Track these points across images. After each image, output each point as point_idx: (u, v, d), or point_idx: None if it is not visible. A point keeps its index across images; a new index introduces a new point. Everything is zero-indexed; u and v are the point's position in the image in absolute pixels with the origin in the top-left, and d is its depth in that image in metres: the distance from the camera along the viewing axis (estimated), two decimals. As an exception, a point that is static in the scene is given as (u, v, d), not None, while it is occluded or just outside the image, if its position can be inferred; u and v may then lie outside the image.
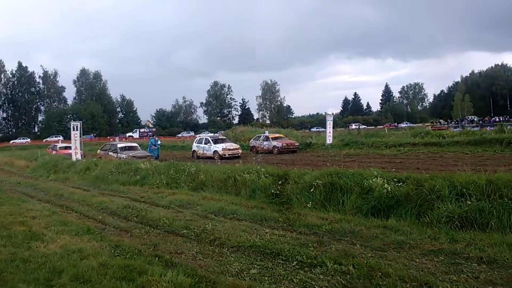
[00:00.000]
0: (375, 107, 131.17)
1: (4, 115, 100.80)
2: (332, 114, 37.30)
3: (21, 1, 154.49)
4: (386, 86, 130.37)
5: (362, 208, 8.59)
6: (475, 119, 73.05)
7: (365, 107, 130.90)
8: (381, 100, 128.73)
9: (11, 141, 79.20)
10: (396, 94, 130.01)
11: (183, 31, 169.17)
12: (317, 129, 75.80)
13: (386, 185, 8.63)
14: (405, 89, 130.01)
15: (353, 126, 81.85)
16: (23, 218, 9.42)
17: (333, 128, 34.99)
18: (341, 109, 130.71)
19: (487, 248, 5.86)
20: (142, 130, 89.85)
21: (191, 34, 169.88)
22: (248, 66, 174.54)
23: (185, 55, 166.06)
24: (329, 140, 31.09)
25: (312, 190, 9.75)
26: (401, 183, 8.67)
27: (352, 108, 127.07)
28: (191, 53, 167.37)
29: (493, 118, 74.78)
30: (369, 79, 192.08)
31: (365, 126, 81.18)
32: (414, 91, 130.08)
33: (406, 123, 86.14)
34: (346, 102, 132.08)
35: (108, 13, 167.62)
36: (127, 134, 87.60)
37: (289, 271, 5.53)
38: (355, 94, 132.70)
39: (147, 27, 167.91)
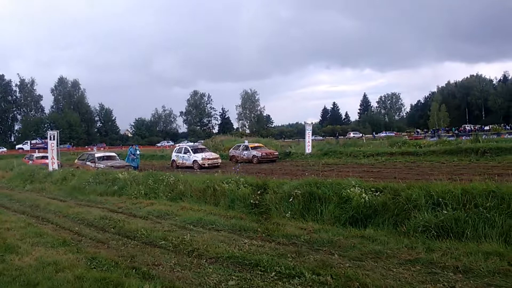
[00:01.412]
0: (354, 116, 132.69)
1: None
2: (312, 123, 37.67)
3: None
4: (364, 96, 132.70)
5: (340, 217, 8.63)
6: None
7: (343, 116, 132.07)
8: (360, 109, 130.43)
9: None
10: (374, 104, 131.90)
11: (163, 39, 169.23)
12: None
13: (364, 194, 8.68)
14: (383, 99, 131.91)
15: (352, 135, 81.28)
16: (-3, 230, 9.22)
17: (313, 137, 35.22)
18: (320, 118, 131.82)
19: (463, 257, 5.95)
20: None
21: (171, 42, 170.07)
22: (228, 75, 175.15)
23: (165, 63, 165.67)
24: (308, 149, 31.32)
25: (291, 200, 9.77)
26: (379, 192, 8.74)
27: (331, 118, 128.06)
28: (171, 61, 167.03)
29: (468, 127, 76.35)
30: (347, 89, 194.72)
31: (363, 134, 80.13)
32: (391, 101, 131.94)
33: (385, 133, 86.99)
34: (325, 111, 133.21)
35: (87, 21, 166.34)
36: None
37: (268, 282, 5.53)
38: (334, 103, 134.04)
39: (126, 35, 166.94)
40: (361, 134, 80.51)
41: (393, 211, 8.11)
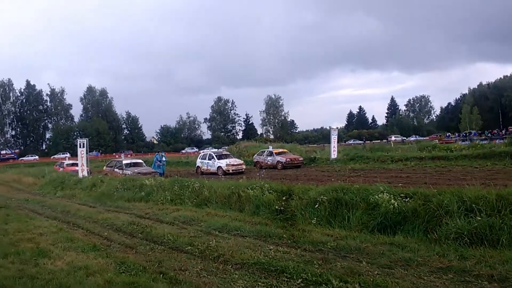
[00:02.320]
0: (381, 120, 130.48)
1: (13, 132, 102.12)
2: (337, 128, 37.23)
3: (29, 22, 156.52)
4: (392, 99, 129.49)
5: (368, 224, 8.49)
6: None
7: (370, 120, 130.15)
8: (387, 113, 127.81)
9: (20, 158, 79.82)
10: (402, 107, 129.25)
11: (186, 48, 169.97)
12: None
13: (392, 200, 8.53)
14: (411, 102, 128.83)
15: (393, 138, 79.12)
16: (31, 235, 9.50)
17: (338, 142, 34.91)
18: (346, 123, 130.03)
19: (498, 265, 5.77)
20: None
21: (194, 51, 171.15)
22: (251, 81, 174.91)
23: (189, 71, 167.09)
24: (334, 154, 31.03)
25: (316, 206, 9.69)
26: (408, 198, 8.55)
27: (357, 122, 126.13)
28: (194, 69, 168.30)
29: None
30: (374, 92, 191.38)
31: (404, 138, 78.18)
32: (420, 104, 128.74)
33: (415, 137, 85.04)
34: (351, 116, 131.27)
35: (113, 33, 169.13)
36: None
37: (294, 289, 5.51)
38: (360, 107, 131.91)
39: (151, 45, 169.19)
40: (402, 138, 78.90)
41: (423, 217, 7.92)
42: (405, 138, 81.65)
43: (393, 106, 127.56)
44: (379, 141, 71.60)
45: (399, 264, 6.23)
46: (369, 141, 69.36)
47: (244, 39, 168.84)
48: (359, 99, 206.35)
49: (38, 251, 7.81)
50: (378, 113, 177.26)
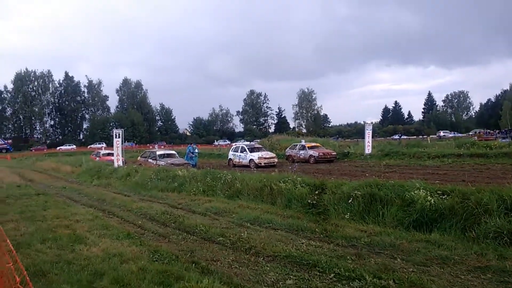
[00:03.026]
0: (417, 116, 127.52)
1: (52, 122, 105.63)
2: (371, 123, 36.55)
3: (67, 15, 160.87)
4: (429, 94, 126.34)
5: (403, 221, 8.32)
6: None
7: (406, 116, 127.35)
8: (424, 109, 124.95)
9: (58, 148, 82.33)
10: (439, 102, 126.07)
11: (219, 40, 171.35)
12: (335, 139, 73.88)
13: (429, 197, 8.32)
14: (449, 98, 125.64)
15: (442, 133, 77.17)
16: (68, 221, 9.77)
17: (372, 137, 34.32)
18: (381, 118, 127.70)
19: (540, 266, 5.56)
20: None
21: (227, 43, 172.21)
22: (284, 74, 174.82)
23: (221, 64, 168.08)
24: (368, 150, 30.56)
25: (350, 201, 9.57)
26: (445, 195, 8.33)
27: (393, 117, 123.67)
28: (227, 62, 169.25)
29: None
30: (410, 87, 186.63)
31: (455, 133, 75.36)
32: (458, 100, 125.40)
33: (454, 133, 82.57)
34: (386, 111, 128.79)
35: (146, 25, 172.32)
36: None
37: (326, 283, 5.46)
38: (396, 102, 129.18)
39: (183, 38, 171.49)
40: (453, 133, 76.75)
41: (461, 215, 7.71)
42: (455, 133, 79.17)
43: (430, 102, 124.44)
44: (415, 137, 69.63)
45: (435, 262, 6.09)
46: (409, 136, 67.15)
47: (278, 32, 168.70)
48: (394, 94, 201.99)
49: (75, 237, 8.00)
50: (414, 109, 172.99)
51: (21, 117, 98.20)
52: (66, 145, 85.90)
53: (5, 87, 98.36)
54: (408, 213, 8.41)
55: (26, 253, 6.77)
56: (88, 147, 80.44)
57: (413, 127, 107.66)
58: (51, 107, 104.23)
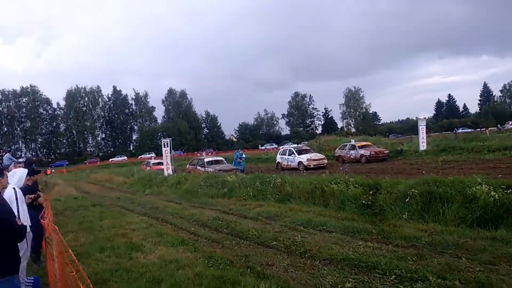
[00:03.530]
0: (473, 108, 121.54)
1: (103, 135, 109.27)
2: (425, 118, 35.26)
3: (113, 31, 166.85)
4: (485, 85, 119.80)
5: (466, 218, 7.95)
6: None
7: (461, 109, 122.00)
8: (480, 100, 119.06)
9: (110, 159, 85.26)
10: (496, 93, 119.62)
11: (262, 45, 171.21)
12: (395, 136, 71.59)
13: (492, 192, 7.91)
14: (507, 87, 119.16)
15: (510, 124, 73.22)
16: (124, 230, 10.03)
17: (427, 133, 33.02)
18: (434, 112, 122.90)
19: None
20: None
21: (270, 47, 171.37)
22: (329, 74, 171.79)
23: (265, 68, 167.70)
24: (422, 146, 29.45)
25: (407, 200, 9.23)
26: (510, 190, 7.90)
27: (447, 111, 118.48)
28: (271, 66, 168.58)
29: None
30: (463, 79, 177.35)
31: None
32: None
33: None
34: (439, 105, 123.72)
35: (188, 35, 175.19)
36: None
37: (388, 285, 5.29)
38: (449, 95, 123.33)
39: (226, 44, 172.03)
40: None
41: (530, 210, 7.25)
42: None
43: (486, 93, 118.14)
44: (472, 130, 66.48)
45: (504, 260, 5.79)
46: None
47: (322, 33, 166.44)
48: (447, 87, 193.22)
49: (131, 245, 8.18)
50: (469, 101, 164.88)
51: (74, 132, 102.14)
52: (117, 157, 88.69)
53: (58, 104, 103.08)
54: (471, 210, 8.02)
55: (86, 263, 6.95)
56: (139, 157, 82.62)
57: (469, 120, 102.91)
58: (101, 120, 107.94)
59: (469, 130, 66.66)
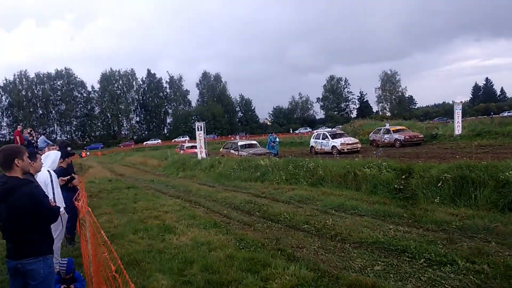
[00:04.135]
0: (511, 92, 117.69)
1: (138, 119, 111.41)
2: (461, 102, 34.17)
3: (147, 15, 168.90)
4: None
5: (497, 203, 7.83)
6: None
7: (498, 93, 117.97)
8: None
9: (144, 143, 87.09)
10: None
11: (295, 27, 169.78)
12: (440, 120, 69.76)
13: (526, 177, 7.73)
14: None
15: None
16: (157, 212, 10.27)
17: (463, 117, 32.16)
18: (471, 96, 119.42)
19: None
20: None
21: (306, 30, 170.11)
22: (365, 57, 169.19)
23: (300, 51, 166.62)
24: (458, 130, 28.78)
25: (439, 184, 9.12)
26: (544, 175, 7.70)
27: (484, 95, 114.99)
28: (306, 49, 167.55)
29: None
30: (502, 62, 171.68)
31: None
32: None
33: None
34: (476, 88, 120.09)
35: (223, 18, 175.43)
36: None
37: (416, 268, 5.29)
38: (487, 79, 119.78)
39: (259, 28, 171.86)
40: None
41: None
42: None
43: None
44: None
45: None
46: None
47: (358, 14, 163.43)
48: (485, 70, 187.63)
49: (164, 227, 8.38)
50: (507, 85, 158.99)
51: (108, 115, 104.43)
52: (151, 140, 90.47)
53: (93, 87, 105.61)
54: (503, 195, 7.91)
55: (120, 244, 7.20)
56: (173, 140, 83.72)
57: (507, 105, 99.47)
58: (136, 104, 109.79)
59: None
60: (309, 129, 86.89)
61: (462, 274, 4.96)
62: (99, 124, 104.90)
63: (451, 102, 67.31)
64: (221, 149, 30.36)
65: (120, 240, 7.52)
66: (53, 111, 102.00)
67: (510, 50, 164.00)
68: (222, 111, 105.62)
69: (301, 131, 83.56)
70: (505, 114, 69.55)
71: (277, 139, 29.10)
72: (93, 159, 49.91)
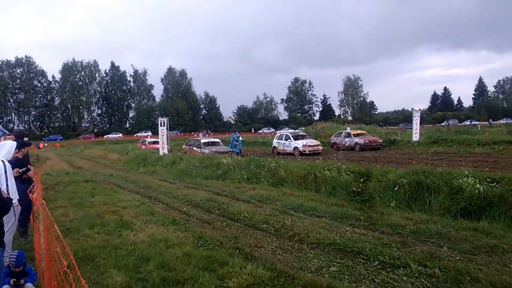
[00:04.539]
0: (467, 102, 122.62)
1: (99, 111, 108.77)
2: (420, 110, 35.37)
3: (112, 5, 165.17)
4: (480, 80, 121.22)
5: (450, 209, 8.15)
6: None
7: (456, 102, 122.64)
8: (474, 95, 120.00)
9: (105, 136, 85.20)
10: (491, 88, 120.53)
11: (263, 28, 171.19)
12: (405, 126, 71.58)
13: (478, 185, 8.10)
14: (501, 83, 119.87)
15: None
16: (115, 207, 10.06)
17: (421, 124, 33.30)
18: (430, 104, 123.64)
19: None
20: None
21: (273, 30, 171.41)
22: (329, 61, 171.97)
23: (267, 51, 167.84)
24: (415, 137, 29.77)
25: (396, 188, 9.40)
26: (495, 183, 8.10)
27: (442, 104, 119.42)
28: (273, 49, 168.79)
29: None
30: (460, 73, 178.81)
31: None
32: (511, 85, 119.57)
33: (506, 120, 78.68)
34: (434, 97, 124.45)
35: (192, 13, 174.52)
36: None
37: (371, 270, 5.40)
38: (445, 88, 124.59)
39: (228, 25, 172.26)
40: (505, 120, 73.19)
41: (511, 203, 7.49)
42: (507, 119, 75.30)
43: (481, 87, 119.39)
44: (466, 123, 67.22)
45: (483, 251, 5.96)
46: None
47: (325, 18, 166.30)
48: (444, 80, 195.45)
49: (122, 223, 8.23)
50: (464, 95, 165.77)
51: (69, 106, 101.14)
52: (113, 134, 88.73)
53: (53, 77, 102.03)
54: (456, 201, 8.23)
55: (75, 238, 7.02)
56: (134, 135, 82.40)
57: (462, 114, 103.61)
58: (98, 96, 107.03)
59: (476, 122, 66.88)
60: (272, 130, 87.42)
61: (414, 277, 5.09)
62: (58, 115, 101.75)
63: (410, 109, 69.45)
64: (184, 145, 30.13)
65: (75, 234, 7.33)
66: (11, 100, 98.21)
67: (469, 62, 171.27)
68: (186, 108, 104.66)
69: (264, 131, 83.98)
70: (467, 123, 72.30)
71: (241, 138, 29.13)
72: (51, 151, 48.26)
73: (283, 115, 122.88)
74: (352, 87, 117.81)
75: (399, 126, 65.51)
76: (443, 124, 69.22)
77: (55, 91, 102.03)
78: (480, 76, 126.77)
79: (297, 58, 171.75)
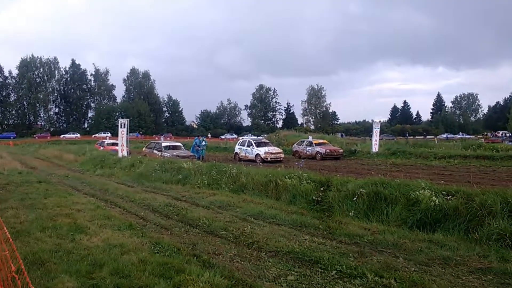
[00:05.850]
0: (425, 116, 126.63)
1: (57, 110, 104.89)
2: (380, 122, 36.33)
3: (75, 2, 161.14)
4: (438, 95, 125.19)
5: (407, 220, 8.33)
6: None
7: (414, 116, 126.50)
8: (432, 109, 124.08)
9: (62, 135, 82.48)
10: (448, 104, 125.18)
11: (229, 32, 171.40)
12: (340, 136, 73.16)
13: (434, 197, 8.32)
14: (458, 99, 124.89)
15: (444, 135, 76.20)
16: (69, 210, 9.70)
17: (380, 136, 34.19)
18: (389, 117, 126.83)
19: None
20: None
21: (237, 36, 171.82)
22: (294, 70, 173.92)
23: (231, 57, 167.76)
24: (375, 148, 30.46)
25: (355, 198, 9.53)
26: (450, 196, 8.34)
27: (401, 117, 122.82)
28: (237, 55, 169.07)
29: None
30: (419, 88, 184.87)
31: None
32: (467, 102, 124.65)
33: (462, 134, 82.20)
34: (394, 110, 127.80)
35: (156, 15, 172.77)
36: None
37: (328, 280, 5.42)
38: (405, 102, 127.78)
39: (193, 29, 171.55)
40: (460, 134, 76.00)
41: (465, 216, 7.72)
42: (463, 134, 78.40)
43: (439, 102, 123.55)
44: (422, 137, 69.59)
45: (437, 262, 6.10)
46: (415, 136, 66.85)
47: (289, 27, 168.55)
48: (403, 93, 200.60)
49: (75, 226, 7.95)
50: (422, 109, 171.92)
51: (25, 103, 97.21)
52: (70, 133, 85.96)
53: (10, 72, 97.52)
54: (412, 213, 8.41)
55: (25, 241, 6.73)
56: (93, 136, 80.00)
57: (421, 127, 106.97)
58: (56, 94, 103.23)
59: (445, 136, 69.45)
60: (235, 135, 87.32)
61: (370, 287, 5.15)
62: (13, 112, 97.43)
63: (370, 121, 71.26)
64: (144, 148, 29.69)
65: (26, 237, 7.03)
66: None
67: (427, 77, 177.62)
68: (148, 110, 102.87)
69: (227, 136, 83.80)
70: (444, 136, 74.69)
71: (204, 143, 28.92)
72: (3, 149, 46.38)
73: (247, 121, 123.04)
74: (315, 96, 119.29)
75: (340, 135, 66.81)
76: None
77: (11, 87, 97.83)
78: (439, 92, 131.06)
79: (262, 65, 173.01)
